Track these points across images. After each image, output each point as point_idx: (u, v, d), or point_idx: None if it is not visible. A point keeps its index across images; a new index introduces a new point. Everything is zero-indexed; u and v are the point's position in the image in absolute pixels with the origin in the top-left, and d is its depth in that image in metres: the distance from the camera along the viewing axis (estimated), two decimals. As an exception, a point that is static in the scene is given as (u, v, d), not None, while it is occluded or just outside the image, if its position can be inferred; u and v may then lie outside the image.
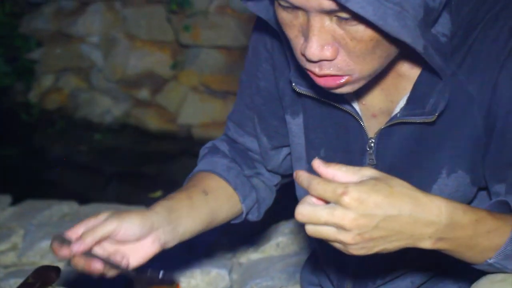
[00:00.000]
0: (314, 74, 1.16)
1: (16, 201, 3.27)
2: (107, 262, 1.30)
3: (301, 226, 2.76)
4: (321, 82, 1.17)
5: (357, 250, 1.07)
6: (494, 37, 1.19)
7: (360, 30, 1.09)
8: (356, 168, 1.06)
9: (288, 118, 1.43)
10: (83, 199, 3.27)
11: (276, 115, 1.47)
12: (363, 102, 1.32)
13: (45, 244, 2.80)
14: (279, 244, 2.71)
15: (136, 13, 4.79)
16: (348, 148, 1.35)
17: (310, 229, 1.05)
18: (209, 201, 1.45)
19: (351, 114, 1.31)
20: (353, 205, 1.02)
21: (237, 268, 2.63)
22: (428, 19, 1.11)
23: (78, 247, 1.26)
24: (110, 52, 4.85)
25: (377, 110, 1.32)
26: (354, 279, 1.42)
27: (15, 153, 4.50)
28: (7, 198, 3.28)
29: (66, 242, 1.29)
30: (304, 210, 1.04)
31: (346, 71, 1.14)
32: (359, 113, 1.31)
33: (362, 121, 1.31)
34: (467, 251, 1.12)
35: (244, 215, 1.54)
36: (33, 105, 5.01)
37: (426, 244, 1.08)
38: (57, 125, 4.86)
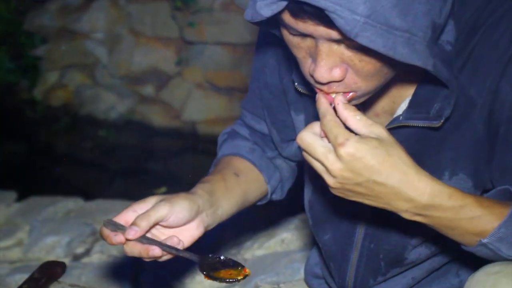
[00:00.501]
0: (322, 91, 1.17)
1: (21, 197, 3.28)
2: (165, 247, 1.27)
3: (305, 222, 2.77)
4: (328, 99, 1.18)
5: (335, 192, 1.14)
6: (495, 42, 1.19)
7: (367, 56, 1.11)
8: (369, 122, 1.10)
9: (292, 113, 1.45)
10: (88, 195, 3.27)
11: (284, 109, 1.48)
12: (366, 102, 1.31)
13: (50, 240, 2.81)
14: (284, 240, 2.71)
15: (141, 9, 4.79)
16: None
17: (305, 156, 1.12)
18: (240, 182, 1.46)
19: None
20: (345, 158, 1.07)
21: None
22: (435, 35, 1.12)
23: (134, 233, 1.24)
24: (114, 48, 4.85)
25: (379, 109, 1.32)
26: (355, 275, 1.43)
27: (20, 150, 4.51)
28: (12, 194, 3.29)
29: (119, 227, 1.27)
30: (306, 138, 1.11)
31: (354, 88, 1.16)
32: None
33: None
34: (448, 231, 1.16)
35: (269, 196, 1.55)
36: (38, 102, 5.01)
37: (404, 215, 1.14)
38: (62, 121, 4.86)
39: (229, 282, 1.30)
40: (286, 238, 2.71)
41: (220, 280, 1.29)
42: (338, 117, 1.11)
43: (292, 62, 1.36)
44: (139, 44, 4.79)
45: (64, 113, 4.91)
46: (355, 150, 1.07)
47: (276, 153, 1.58)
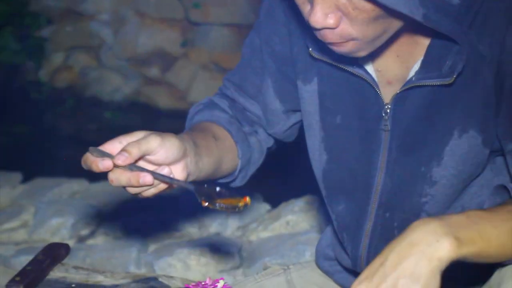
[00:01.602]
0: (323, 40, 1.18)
1: (26, 179, 3.29)
2: (157, 174, 1.21)
3: (310, 204, 2.77)
4: (336, 49, 1.19)
5: None
6: None
7: (361, 0, 1.11)
8: None
9: (299, 84, 1.43)
10: (93, 177, 3.27)
11: (291, 79, 1.47)
12: (379, 69, 1.32)
13: (55, 221, 2.82)
14: (289, 222, 2.71)
15: (146, -10, 4.78)
16: (364, 114, 1.35)
17: None
18: (218, 146, 1.42)
19: (367, 81, 1.31)
20: None
21: (247, 246, 2.64)
22: None
23: (125, 159, 1.18)
24: (120, 30, 4.83)
25: (392, 76, 1.32)
26: (369, 244, 1.41)
27: (25, 131, 4.50)
28: (17, 176, 3.30)
29: (106, 155, 1.20)
30: None
31: (348, 38, 1.16)
32: (375, 79, 1.32)
33: (378, 88, 1.31)
34: (497, 256, 1.17)
35: (236, 173, 1.51)
36: (43, 83, 5.00)
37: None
38: (67, 103, 4.84)
39: (228, 209, 1.21)
40: (291, 220, 2.72)
41: (219, 206, 1.20)
42: None
43: (305, 29, 1.35)
44: (144, 25, 4.76)
45: (70, 94, 4.90)
46: None
47: (252, 129, 1.55)
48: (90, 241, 2.77)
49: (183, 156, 1.26)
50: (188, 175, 1.29)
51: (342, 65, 1.32)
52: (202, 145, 1.35)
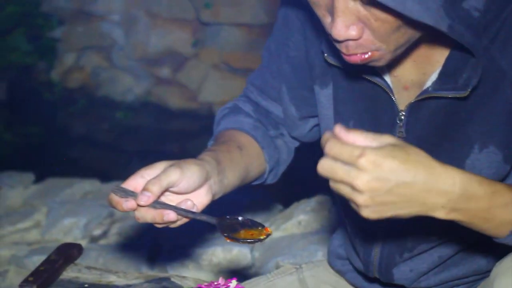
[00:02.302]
0: (342, 52, 1.18)
1: (38, 179, 3.29)
2: (180, 210, 1.24)
3: (322, 204, 2.76)
4: (348, 59, 1.18)
5: (368, 213, 1.08)
6: None
7: (383, 12, 1.09)
8: (376, 135, 1.07)
9: (316, 88, 1.42)
10: (105, 177, 3.28)
11: (306, 85, 1.47)
12: (395, 74, 1.31)
13: (68, 221, 2.83)
14: (301, 222, 2.71)
15: (157, -9, 4.78)
16: (377, 121, 1.35)
17: (331, 184, 1.07)
18: (243, 156, 1.43)
19: (381, 87, 1.31)
20: (368, 168, 1.03)
21: (259, 246, 2.63)
22: None
23: (147, 199, 1.22)
24: (131, 30, 4.83)
25: (409, 82, 1.31)
26: (381, 251, 1.41)
27: (37, 132, 4.52)
28: (30, 176, 3.31)
29: (129, 194, 1.24)
30: (325, 164, 1.05)
31: (372, 48, 1.15)
32: (390, 85, 1.31)
33: (392, 94, 1.30)
34: (484, 223, 1.13)
35: (265, 176, 1.52)
36: (55, 84, 5.00)
37: (440, 214, 1.10)
38: (79, 103, 4.85)
39: (251, 242, 1.25)
40: (303, 220, 2.71)
41: (242, 241, 1.24)
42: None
43: (321, 35, 1.35)
44: (155, 25, 4.76)
45: (81, 95, 4.90)
46: (376, 156, 1.03)
47: (278, 132, 1.55)
48: (103, 241, 2.77)
49: (205, 180, 1.28)
50: (213, 195, 1.31)
51: (356, 71, 1.32)
52: (226, 160, 1.37)
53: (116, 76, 4.88)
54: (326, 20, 1.16)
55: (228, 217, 1.27)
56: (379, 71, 1.31)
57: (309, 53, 1.42)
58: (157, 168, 1.26)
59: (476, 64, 1.18)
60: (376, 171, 1.03)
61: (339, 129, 1.07)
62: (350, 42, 1.15)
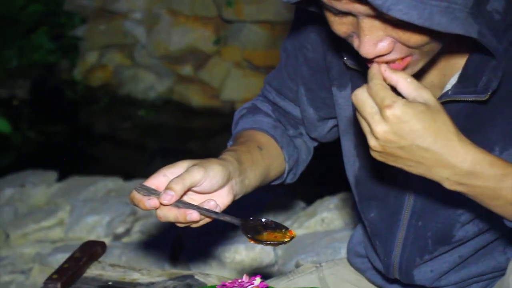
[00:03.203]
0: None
1: (62, 177, 3.30)
2: (203, 210, 1.23)
3: (345, 201, 2.75)
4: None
5: (376, 155, 1.12)
6: None
7: (411, 28, 1.08)
8: (419, 85, 1.09)
9: (334, 90, 1.41)
10: (128, 175, 3.28)
11: (324, 86, 1.45)
12: (414, 76, 1.29)
13: (91, 219, 2.84)
14: (324, 219, 2.69)
15: (179, -12, 4.78)
16: None
17: (357, 114, 1.11)
18: (264, 156, 1.42)
19: None
20: (391, 120, 1.06)
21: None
22: (480, 2, 1.09)
23: (170, 197, 1.20)
24: (153, 28, 4.84)
25: (428, 83, 1.29)
26: (401, 253, 1.40)
27: (60, 130, 4.55)
28: (53, 175, 3.32)
29: (152, 192, 1.23)
30: (360, 95, 1.09)
31: (406, 53, 1.14)
32: None
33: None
34: (490, 201, 1.14)
35: (285, 175, 1.51)
36: (77, 82, 5.03)
37: (444, 184, 1.12)
38: (102, 101, 4.87)
39: (274, 245, 1.25)
40: (327, 218, 2.70)
41: (265, 243, 1.24)
42: (388, 83, 1.09)
43: (339, 37, 1.34)
44: (178, 23, 4.77)
45: (104, 93, 4.92)
46: (402, 112, 1.05)
47: (297, 132, 1.55)
48: (125, 239, 2.77)
49: (227, 180, 1.28)
50: (234, 196, 1.30)
51: None
52: (247, 161, 1.36)
53: (138, 74, 4.89)
54: (354, 42, 1.15)
55: (251, 218, 1.26)
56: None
57: (327, 55, 1.41)
58: (180, 167, 1.25)
59: (497, 67, 1.17)
60: (396, 126, 1.06)
61: (384, 68, 1.09)
62: (385, 56, 1.13)
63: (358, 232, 1.59)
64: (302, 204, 2.88)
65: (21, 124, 4.63)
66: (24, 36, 5.02)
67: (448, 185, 1.12)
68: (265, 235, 1.24)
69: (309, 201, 2.87)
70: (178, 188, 1.21)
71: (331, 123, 1.52)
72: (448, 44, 1.21)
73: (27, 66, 5.02)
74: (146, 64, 4.89)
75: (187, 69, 4.77)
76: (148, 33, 4.88)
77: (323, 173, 3.08)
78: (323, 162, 2.97)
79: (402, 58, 1.15)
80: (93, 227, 2.80)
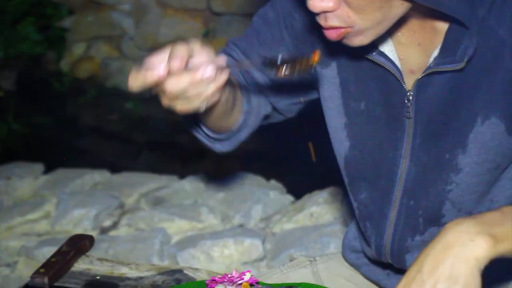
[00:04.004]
0: (322, 26, 1.18)
1: (48, 169, 3.28)
2: (214, 64, 1.14)
3: (334, 195, 2.74)
4: (327, 34, 1.19)
5: None
6: None
7: None
8: None
9: (317, 67, 1.41)
10: (115, 168, 3.27)
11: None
12: (401, 57, 1.30)
13: (78, 212, 2.82)
14: (313, 214, 2.69)
15: (168, -20, 4.76)
16: (388, 101, 1.33)
17: None
18: (236, 90, 1.41)
19: (389, 70, 1.30)
20: None
21: (271, 238, 2.62)
22: None
23: (178, 62, 1.12)
24: (141, 20, 4.82)
25: (415, 65, 1.30)
26: (393, 233, 1.40)
27: (47, 122, 4.52)
28: (40, 167, 3.30)
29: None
30: None
31: (348, 22, 1.15)
32: (399, 67, 1.30)
33: (401, 75, 1.29)
34: None
35: (235, 128, 1.46)
36: (64, 74, 5.00)
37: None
38: (89, 94, 4.84)
39: (307, 72, 1.17)
40: (315, 212, 2.70)
41: (299, 72, 1.16)
42: None
43: None
44: (166, 15, 4.75)
45: (91, 85, 4.90)
46: None
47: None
48: (113, 233, 2.76)
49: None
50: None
51: (364, 53, 1.30)
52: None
53: (126, 66, 4.85)
54: None
55: (268, 57, 1.18)
56: (387, 54, 1.30)
57: (313, 30, 1.41)
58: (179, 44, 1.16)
59: (471, 34, 1.17)
60: None
61: None
62: (328, 14, 1.15)
63: (353, 227, 1.59)
64: (290, 198, 2.87)
65: (7, 115, 4.59)
66: (11, 26, 4.99)
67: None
68: (292, 67, 1.16)
69: (298, 195, 2.87)
70: (184, 51, 1.14)
71: (300, 96, 1.51)
72: (432, 24, 1.23)
73: (13, 57, 4.98)
74: (134, 56, 4.85)
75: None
76: (136, 25, 4.85)
77: (311, 166, 3.08)
78: (310, 156, 2.96)
79: (342, 27, 1.16)
80: (80, 220, 2.79)
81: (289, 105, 1.54)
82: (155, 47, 4.77)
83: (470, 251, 1.07)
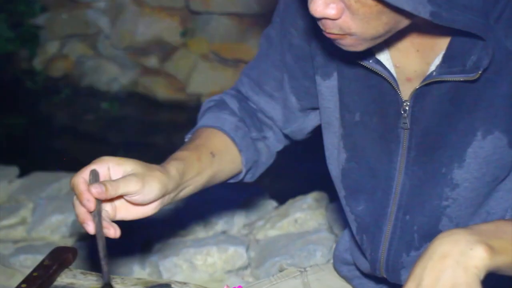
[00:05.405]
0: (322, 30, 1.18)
1: (23, 173, 3.23)
2: (99, 234, 1.28)
3: (319, 201, 2.72)
4: (325, 34, 1.18)
5: None
6: None
7: None
8: None
9: (318, 79, 1.40)
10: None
11: (308, 74, 1.45)
12: (397, 65, 1.28)
13: (55, 218, 2.77)
14: (297, 220, 2.67)
15: (144, -22, 4.74)
16: (383, 112, 1.32)
17: None
18: (214, 163, 1.43)
19: (385, 78, 1.28)
20: None
21: (255, 245, 2.59)
22: None
23: (100, 191, 1.22)
24: (117, 18, 4.78)
25: (412, 73, 1.28)
26: (388, 248, 1.38)
27: (20, 122, 4.49)
28: (14, 170, 3.25)
29: (97, 179, 1.25)
30: None
31: (347, 32, 1.14)
32: (394, 75, 1.28)
33: (396, 85, 1.27)
34: None
35: (242, 176, 1.53)
36: (38, 73, 4.96)
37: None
38: (63, 93, 4.81)
39: None
40: (300, 218, 2.67)
41: None
42: None
43: None
44: (143, 14, 4.73)
45: (65, 84, 4.86)
46: None
47: (261, 135, 1.54)
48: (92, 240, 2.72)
49: (161, 196, 1.29)
50: (161, 208, 1.33)
51: (360, 61, 1.29)
52: (193, 171, 1.38)
53: (101, 66, 4.83)
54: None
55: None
56: (382, 61, 1.28)
57: (312, 42, 1.40)
58: (125, 165, 1.27)
59: (486, 45, 1.15)
60: None
61: None
62: (328, 21, 1.14)
63: (344, 239, 1.57)
64: (273, 203, 2.86)
65: (-21, 115, 4.55)
66: (-19, 24, 4.94)
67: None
68: None
69: (281, 201, 2.85)
70: (111, 189, 1.22)
71: (312, 117, 1.52)
72: (430, 31, 1.21)
73: (-15, 55, 4.93)
74: (110, 55, 4.83)
75: (152, 61, 4.73)
76: (112, 23, 4.82)
77: (295, 171, 3.07)
78: (294, 161, 2.95)
79: (342, 35, 1.15)
80: (58, 226, 2.74)
81: (303, 130, 1.55)
82: (131, 46, 4.78)
83: (470, 259, 1.05)
